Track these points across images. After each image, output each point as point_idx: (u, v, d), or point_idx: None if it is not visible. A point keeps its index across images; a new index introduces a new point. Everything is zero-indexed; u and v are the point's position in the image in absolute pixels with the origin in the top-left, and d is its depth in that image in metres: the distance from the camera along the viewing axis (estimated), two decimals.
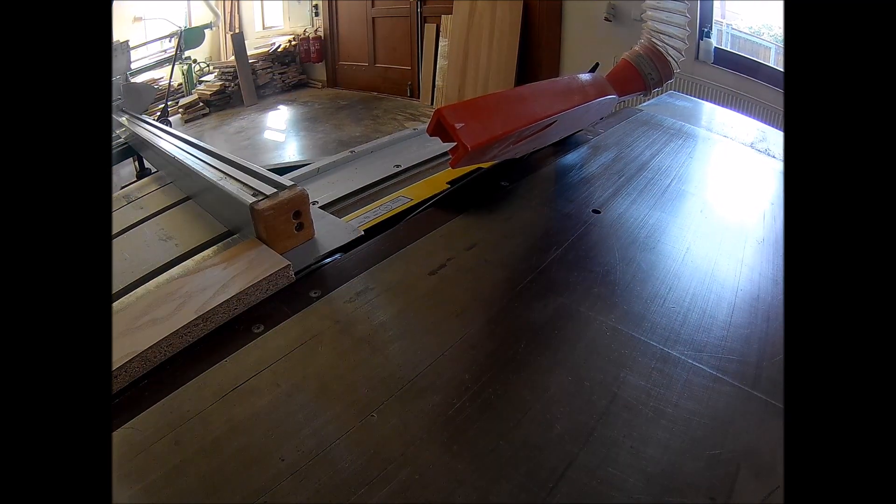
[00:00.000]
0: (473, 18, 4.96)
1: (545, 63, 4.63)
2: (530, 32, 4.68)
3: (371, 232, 0.79)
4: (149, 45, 6.29)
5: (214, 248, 0.81)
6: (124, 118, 1.95)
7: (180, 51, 6.00)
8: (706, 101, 1.80)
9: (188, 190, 1.03)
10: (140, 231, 0.94)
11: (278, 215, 0.69)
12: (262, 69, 6.94)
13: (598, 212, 0.84)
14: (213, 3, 6.97)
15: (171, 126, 5.04)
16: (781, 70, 3.52)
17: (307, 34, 7.23)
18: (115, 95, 2.24)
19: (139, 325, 0.56)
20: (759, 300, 0.65)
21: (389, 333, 0.57)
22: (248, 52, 6.71)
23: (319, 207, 0.91)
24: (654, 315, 0.61)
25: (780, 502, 0.40)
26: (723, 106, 1.81)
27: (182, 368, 0.52)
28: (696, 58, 3.76)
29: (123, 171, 2.98)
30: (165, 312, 0.58)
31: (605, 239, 0.77)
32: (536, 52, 4.68)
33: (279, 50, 7.14)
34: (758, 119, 1.61)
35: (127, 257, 0.80)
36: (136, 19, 6.32)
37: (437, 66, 5.50)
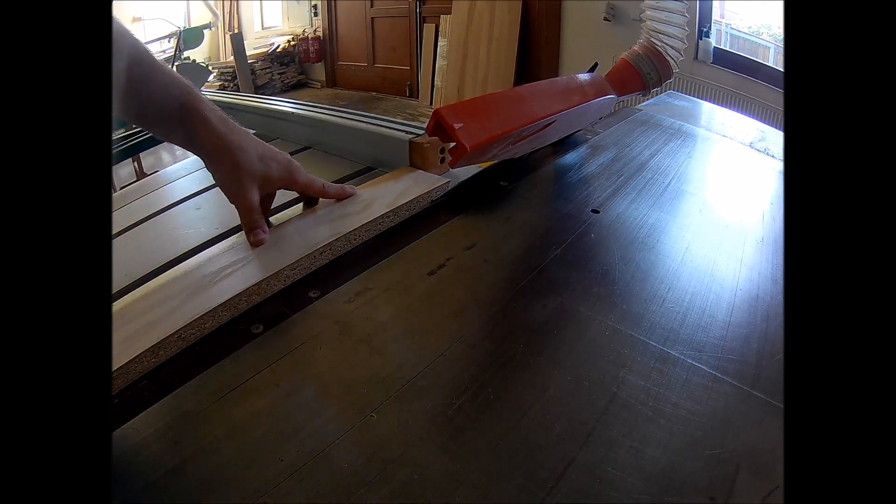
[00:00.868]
0: (472, 18, 4.97)
1: (544, 63, 4.64)
2: (529, 32, 4.69)
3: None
4: (148, 46, 6.29)
5: (355, 180, 1.01)
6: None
7: (179, 51, 6.00)
8: (705, 100, 1.81)
9: (307, 140, 1.22)
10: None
11: (433, 148, 0.90)
12: (262, 69, 6.94)
13: (598, 211, 0.84)
14: (212, 3, 6.98)
15: None
16: (781, 70, 3.52)
17: (306, 34, 7.24)
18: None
19: (331, 217, 0.74)
20: (759, 300, 0.66)
21: (389, 333, 0.57)
22: (247, 53, 6.72)
23: None
24: (653, 315, 0.61)
25: (779, 502, 0.40)
26: (722, 105, 1.81)
27: (181, 368, 0.52)
28: (696, 57, 3.77)
29: (122, 172, 2.99)
30: (355, 209, 0.75)
31: (604, 239, 0.77)
32: (535, 52, 4.69)
33: (278, 50, 7.15)
34: (757, 119, 1.62)
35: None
36: (136, 19, 6.33)
37: (436, 67, 5.51)
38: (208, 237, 0.83)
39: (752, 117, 1.65)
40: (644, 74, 1.06)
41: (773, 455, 0.44)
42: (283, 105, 1.38)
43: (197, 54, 6.71)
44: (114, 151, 1.78)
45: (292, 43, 7.26)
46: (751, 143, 1.29)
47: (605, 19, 4.09)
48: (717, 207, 0.91)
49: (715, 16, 3.84)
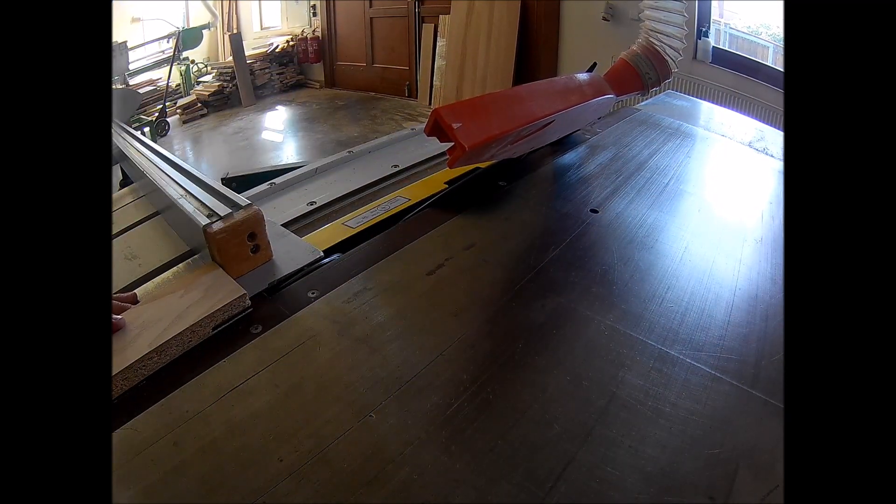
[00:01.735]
0: (471, 18, 4.96)
1: (543, 63, 4.64)
2: (528, 32, 4.68)
3: (369, 232, 0.79)
4: (147, 46, 6.29)
5: (175, 269, 0.79)
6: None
7: (178, 51, 6.00)
8: (704, 100, 1.80)
9: (157, 205, 0.99)
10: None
11: (231, 238, 0.65)
12: (260, 70, 6.93)
13: (597, 211, 0.84)
14: (211, 3, 6.97)
15: (168, 127, 5.04)
16: (780, 69, 3.52)
17: (305, 34, 7.23)
18: None
19: None
20: (758, 299, 0.66)
21: (388, 333, 0.57)
22: (246, 53, 6.71)
23: (314, 209, 0.92)
24: (652, 314, 0.61)
25: (779, 501, 0.40)
26: (721, 105, 1.81)
27: (180, 369, 0.52)
28: (694, 57, 3.77)
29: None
30: (121, 344, 0.54)
31: (603, 238, 0.77)
32: (534, 51, 4.68)
33: (277, 50, 7.14)
34: (756, 118, 1.61)
35: None
36: (135, 20, 6.32)
37: (435, 66, 5.50)
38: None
39: (751, 117, 1.65)
40: (643, 74, 1.06)
41: (772, 454, 0.44)
42: (146, 161, 1.11)
43: (196, 55, 6.70)
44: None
45: (291, 43, 7.25)
46: (750, 143, 1.29)
47: (604, 19, 4.09)
48: (716, 207, 0.91)
49: (714, 15, 3.83)
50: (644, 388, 0.50)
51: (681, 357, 0.54)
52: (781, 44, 3.64)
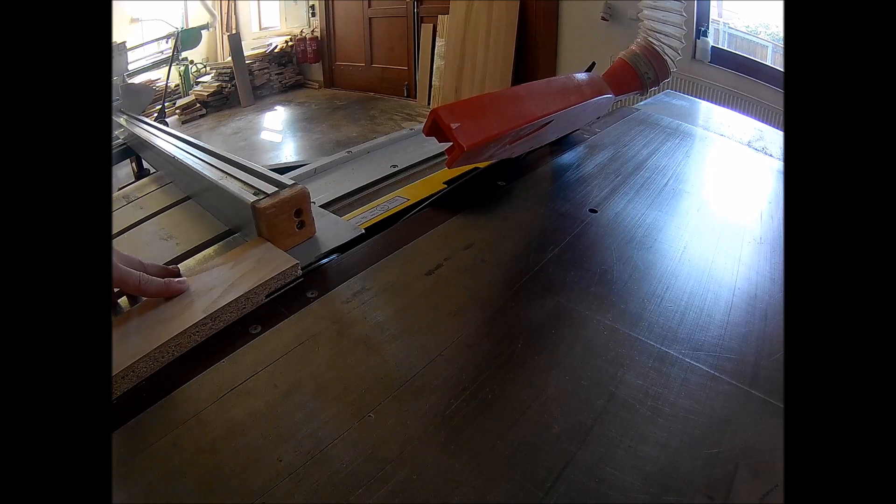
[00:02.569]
0: (470, 18, 4.97)
1: (542, 63, 4.64)
2: (527, 32, 4.69)
3: (368, 232, 0.79)
4: (146, 47, 6.29)
5: (215, 247, 0.82)
6: (122, 119, 1.94)
7: (177, 52, 6.00)
8: (703, 99, 1.81)
9: (188, 189, 1.03)
10: (140, 230, 0.95)
11: (280, 213, 0.69)
12: (259, 70, 6.94)
13: (595, 211, 0.84)
14: (209, 4, 6.97)
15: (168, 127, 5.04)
16: (779, 69, 3.53)
17: (304, 35, 7.23)
18: (113, 96, 2.24)
19: (145, 324, 0.56)
20: (757, 299, 0.66)
21: (386, 334, 0.57)
22: (245, 53, 6.71)
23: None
24: (651, 314, 0.61)
25: (778, 501, 0.40)
26: (720, 105, 1.81)
27: (179, 369, 0.52)
28: (693, 57, 3.77)
29: (121, 173, 2.98)
30: (172, 313, 0.58)
31: (601, 238, 0.77)
32: (533, 51, 4.69)
33: (276, 50, 7.15)
34: (755, 118, 1.62)
35: None
36: (133, 20, 6.32)
37: (434, 66, 5.51)
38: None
39: (750, 116, 1.65)
40: (642, 74, 1.06)
41: (771, 454, 0.44)
42: (173, 146, 1.16)
43: (195, 55, 6.71)
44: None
45: (290, 43, 7.25)
46: (749, 143, 1.29)
47: (603, 19, 4.09)
48: (715, 207, 0.91)
49: (713, 15, 3.84)
50: (643, 388, 0.50)
51: (680, 357, 0.54)
52: (780, 43, 3.64)
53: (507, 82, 4.72)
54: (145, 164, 2.12)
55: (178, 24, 6.62)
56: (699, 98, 1.86)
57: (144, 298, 0.61)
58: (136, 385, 0.51)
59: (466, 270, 0.68)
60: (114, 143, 1.83)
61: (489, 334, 0.57)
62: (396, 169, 1.07)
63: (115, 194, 1.24)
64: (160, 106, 5.35)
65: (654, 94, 1.52)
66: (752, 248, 0.78)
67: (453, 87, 5.19)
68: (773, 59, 3.71)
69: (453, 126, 0.64)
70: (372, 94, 6.63)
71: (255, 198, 0.70)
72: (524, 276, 0.66)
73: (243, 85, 6.58)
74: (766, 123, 1.50)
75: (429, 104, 5.65)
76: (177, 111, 6.04)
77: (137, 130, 1.61)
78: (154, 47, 6.37)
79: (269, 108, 6.57)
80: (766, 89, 3.56)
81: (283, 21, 7.67)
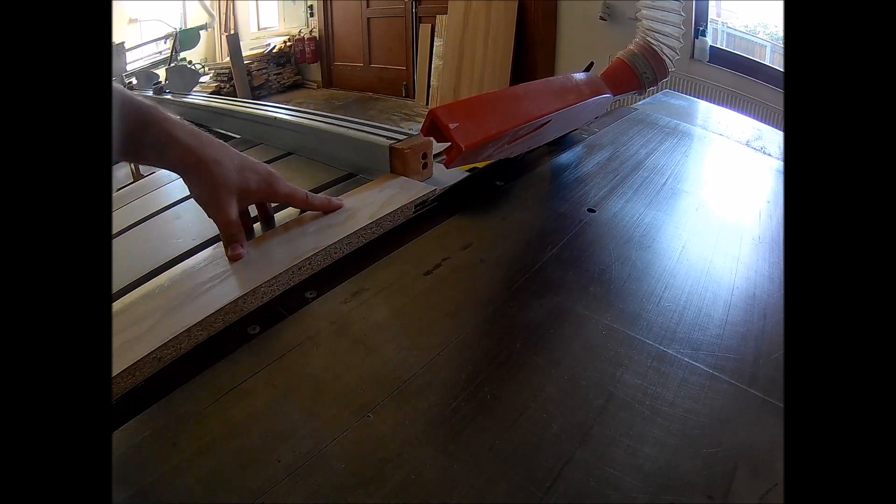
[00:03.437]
0: (468, 18, 4.97)
1: (540, 62, 4.64)
2: (525, 32, 4.69)
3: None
4: (144, 47, 6.29)
5: (335, 187, 0.98)
6: (170, 97, 2.06)
7: (176, 52, 5.99)
8: (701, 99, 1.81)
9: (291, 145, 1.18)
10: None
11: (414, 153, 0.87)
12: (258, 70, 6.94)
13: (594, 211, 0.84)
14: (208, 4, 6.97)
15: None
16: (777, 68, 3.53)
17: (302, 35, 7.24)
18: (154, 80, 2.34)
19: (313, 230, 0.71)
20: (756, 298, 0.66)
21: (385, 334, 0.57)
22: (244, 53, 6.71)
23: None
24: (649, 314, 0.61)
25: (777, 500, 0.40)
26: (718, 104, 1.81)
27: (178, 370, 0.52)
28: (692, 56, 3.78)
29: (120, 174, 2.98)
30: (339, 220, 0.73)
31: (600, 238, 0.77)
32: (531, 51, 4.69)
33: (274, 51, 7.15)
34: (754, 117, 1.62)
35: None
36: (132, 21, 6.32)
37: (433, 66, 5.51)
38: (195, 244, 0.81)
39: (749, 116, 1.66)
40: (640, 73, 1.06)
41: (770, 453, 0.44)
42: (266, 110, 1.35)
43: (193, 55, 6.70)
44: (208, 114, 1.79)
45: (288, 44, 7.25)
46: (747, 142, 1.29)
47: (602, 18, 4.10)
48: (714, 206, 0.91)
49: (711, 14, 3.84)
50: (642, 388, 0.50)
51: (679, 356, 0.55)
52: (779, 43, 3.65)
53: (506, 82, 4.72)
54: (142, 168, 2.15)
55: (177, 25, 6.62)
56: (698, 97, 1.86)
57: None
58: (134, 387, 0.50)
59: (465, 270, 0.68)
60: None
61: (488, 334, 0.57)
62: None
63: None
64: None
65: (653, 93, 1.53)
66: (751, 247, 0.78)
67: (452, 87, 5.19)
68: (772, 58, 3.72)
69: (451, 126, 0.64)
70: (370, 94, 6.63)
71: (390, 142, 0.90)
72: (523, 276, 0.66)
73: (242, 85, 6.57)
74: (764, 123, 1.50)
75: (427, 104, 5.65)
76: None
77: (205, 102, 1.75)
78: (153, 48, 6.37)
79: None
80: (765, 89, 3.57)
81: (282, 21, 7.67)
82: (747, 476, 0.42)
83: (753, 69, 3.67)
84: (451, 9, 5.13)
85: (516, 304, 0.61)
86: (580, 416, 0.47)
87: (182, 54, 6.24)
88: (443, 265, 0.68)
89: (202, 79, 6.70)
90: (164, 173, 1.19)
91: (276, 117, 1.22)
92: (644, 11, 1.05)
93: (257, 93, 6.86)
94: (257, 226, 0.77)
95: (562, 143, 1.14)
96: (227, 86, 6.54)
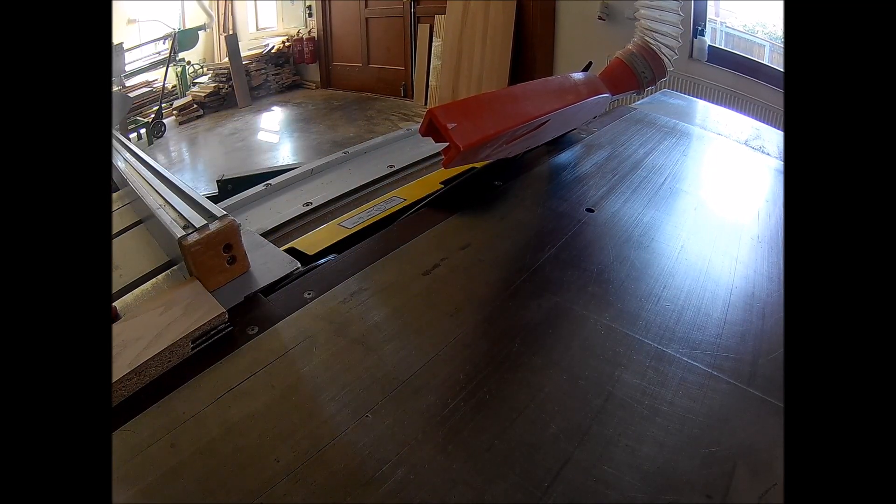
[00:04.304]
0: (467, 18, 4.96)
1: (539, 62, 4.64)
2: (524, 32, 4.69)
3: (365, 233, 0.79)
4: (143, 47, 6.28)
5: (156, 279, 0.77)
6: None
7: (174, 52, 5.99)
8: (700, 98, 1.81)
9: (139, 213, 0.96)
10: None
11: (207, 250, 0.63)
12: (256, 70, 6.93)
13: (592, 210, 0.84)
14: (206, 4, 6.96)
15: (165, 128, 5.04)
16: (776, 67, 3.53)
17: (301, 35, 7.22)
18: None
19: None
20: (755, 297, 0.66)
21: (384, 334, 0.57)
22: (242, 54, 6.70)
23: (310, 210, 0.92)
24: (648, 313, 0.61)
25: (777, 499, 0.40)
26: (717, 104, 1.81)
27: (177, 371, 0.52)
28: (690, 56, 3.77)
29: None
30: None
31: (599, 238, 0.77)
32: (530, 51, 4.69)
33: (273, 51, 7.14)
34: (752, 117, 1.62)
35: None
36: (131, 21, 6.31)
37: (431, 67, 5.50)
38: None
39: (748, 115, 1.66)
40: (638, 73, 1.06)
41: (770, 452, 0.44)
42: (130, 167, 1.06)
43: (192, 56, 6.69)
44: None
45: (287, 44, 7.24)
46: (746, 141, 1.29)
47: (600, 18, 4.09)
48: (713, 205, 0.91)
49: (710, 14, 3.84)
50: (641, 387, 0.50)
51: (677, 356, 0.55)
52: (777, 42, 3.65)
53: (504, 82, 4.72)
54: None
55: (176, 25, 6.61)
56: (696, 97, 1.86)
57: None
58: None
59: (463, 270, 0.68)
60: None
61: (486, 334, 0.57)
62: (393, 169, 1.07)
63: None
64: (157, 107, 5.35)
65: (651, 93, 1.53)
66: (750, 246, 0.78)
67: (450, 87, 5.19)
68: (771, 57, 3.72)
69: (449, 126, 0.64)
70: (369, 94, 6.62)
71: (184, 232, 0.65)
72: (521, 276, 0.66)
73: (240, 86, 6.56)
74: (763, 122, 1.50)
75: (426, 104, 5.64)
76: (174, 112, 6.02)
77: None
78: (151, 48, 6.36)
79: (267, 108, 6.56)
80: (764, 88, 3.57)
81: (280, 21, 7.66)
82: (746, 475, 0.42)
83: (752, 69, 3.67)
84: (449, 9, 5.12)
85: (515, 303, 0.61)
86: (579, 415, 0.47)
87: (181, 55, 6.24)
88: (441, 265, 0.68)
89: (200, 80, 6.69)
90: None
91: (123, 179, 1.00)
92: (642, 11, 1.05)
93: (256, 93, 6.85)
94: None
95: (560, 143, 1.14)
96: (226, 86, 6.54)
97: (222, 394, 0.49)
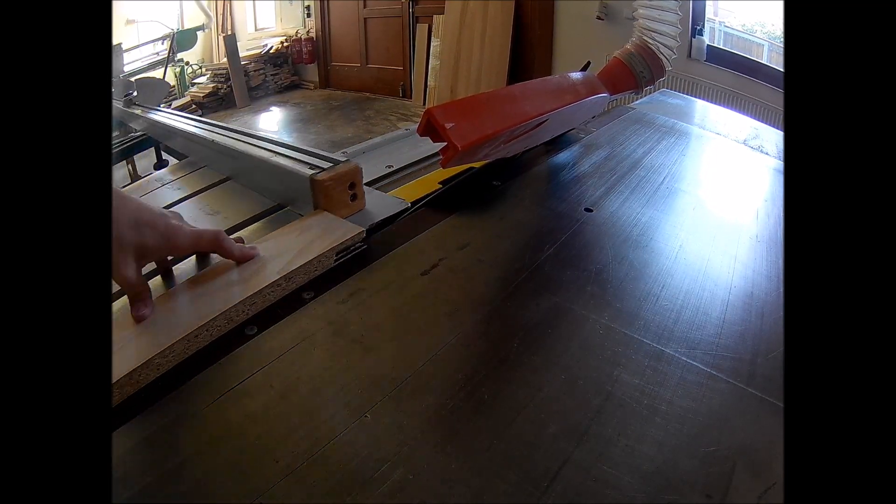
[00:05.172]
0: (465, 18, 4.97)
1: (537, 62, 4.64)
2: (522, 32, 4.69)
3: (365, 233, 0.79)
4: (142, 48, 6.28)
5: (264, 221, 0.87)
6: (138, 110, 1.93)
7: (173, 53, 6.00)
8: (699, 98, 1.81)
9: (229, 170, 1.06)
10: (184, 207, 0.97)
11: (336, 185, 0.75)
12: (255, 71, 6.93)
13: (591, 210, 0.84)
14: (205, 4, 6.96)
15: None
16: (775, 67, 3.53)
17: (299, 35, 7.24)
18: (127, 91, 2.23)
19: (217, 286, 0.61)
20: (754, 297, 0.66)
21: (382, 334, 0.57)
22: (241, 54, 6.71)
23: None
24: (647, 313, 0.61)
25: (776, 499, 0.40)
26: (715, 103, 1.81)
27: (176, 371, 0.52)
28: (689, 55, 3.78)
29: (118, 174, 2.97)
30: (244, 276, 0.62)
31: (597, 237, 0.77)
32: (528, 51, 4.69)
33: (271, 51, 7.14)
34: (751, 116, 1.62)
35: None
36: (129, 22, 6.31)
37: (430, 67, 5.51)
38: None
39: (747, 115, 1.66)
40: (637, 73, 1.06)
41: (769, 452, 0.44)
42: (207, 132, 1.17)
43: (190, 56, 6.69)
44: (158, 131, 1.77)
45: (285, 44, 7.25)
46: (745, 141, 1.29)
47: (599, 18, 4.10)
48: (711, 205, 0.91)
49: (708, 14, 3.84)
50: (640, 387, 0.50)
51: (676, 355, 0.55)
52: (776, 42, 3.65)
53: (503, 82, 4.72)
54: (139, 168, 2.11)
55: (174, 26, 6.61)
56: (695, 97, 1.86)
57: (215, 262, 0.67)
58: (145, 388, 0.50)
59: (462, 270, 0.68)
60: (127, 136, 1.84)
61: (485, 334, 0.57)
62: (392, 169, 1.07)
63: (146, 178, 1.26)
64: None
65: (650, 92, 1.53)
66: (749, 246, 0.78)
67: (449, 87, 5.19)
68: (770, 57, 3.72)
69: (447, 126, 0.64)
70: (367, 94, 6.63)
71: (311, 171, 0.76)
72: (520, 276, 0.66)
73: (239, 86, 6.57)
74: (762, 122, 1.50)
75: (424, 104, 5.65)
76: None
77: (159, 119, 1.63)
78: (150, 48, 6.36)
79: (265, 108, 6.57)
80: (763, 88, 3.57)
81: (279, 22, 7.67)
82: (746, 475, 0.42)
83: (751, 68, 3.67)
84: (447, 9, 5.13)
85: (514, 303, 0.61)
86: (578, 415, 0.47)
87: (179, 55, 6.24)
88: (440, 265, 0.68)
89: (199, 80, 6.70)
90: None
91: (212, 140, 1.07)
92: (641, 11, 1.05)
93: (254, 93, 6.86)
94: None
95: (559, 143, 1.14)
96: (225, 87, 6.54)
97: (221, 394, 0.49)
